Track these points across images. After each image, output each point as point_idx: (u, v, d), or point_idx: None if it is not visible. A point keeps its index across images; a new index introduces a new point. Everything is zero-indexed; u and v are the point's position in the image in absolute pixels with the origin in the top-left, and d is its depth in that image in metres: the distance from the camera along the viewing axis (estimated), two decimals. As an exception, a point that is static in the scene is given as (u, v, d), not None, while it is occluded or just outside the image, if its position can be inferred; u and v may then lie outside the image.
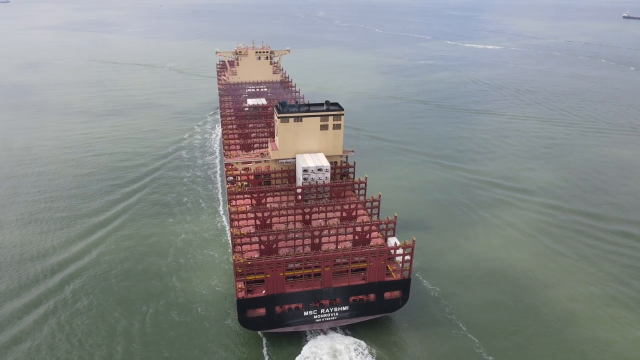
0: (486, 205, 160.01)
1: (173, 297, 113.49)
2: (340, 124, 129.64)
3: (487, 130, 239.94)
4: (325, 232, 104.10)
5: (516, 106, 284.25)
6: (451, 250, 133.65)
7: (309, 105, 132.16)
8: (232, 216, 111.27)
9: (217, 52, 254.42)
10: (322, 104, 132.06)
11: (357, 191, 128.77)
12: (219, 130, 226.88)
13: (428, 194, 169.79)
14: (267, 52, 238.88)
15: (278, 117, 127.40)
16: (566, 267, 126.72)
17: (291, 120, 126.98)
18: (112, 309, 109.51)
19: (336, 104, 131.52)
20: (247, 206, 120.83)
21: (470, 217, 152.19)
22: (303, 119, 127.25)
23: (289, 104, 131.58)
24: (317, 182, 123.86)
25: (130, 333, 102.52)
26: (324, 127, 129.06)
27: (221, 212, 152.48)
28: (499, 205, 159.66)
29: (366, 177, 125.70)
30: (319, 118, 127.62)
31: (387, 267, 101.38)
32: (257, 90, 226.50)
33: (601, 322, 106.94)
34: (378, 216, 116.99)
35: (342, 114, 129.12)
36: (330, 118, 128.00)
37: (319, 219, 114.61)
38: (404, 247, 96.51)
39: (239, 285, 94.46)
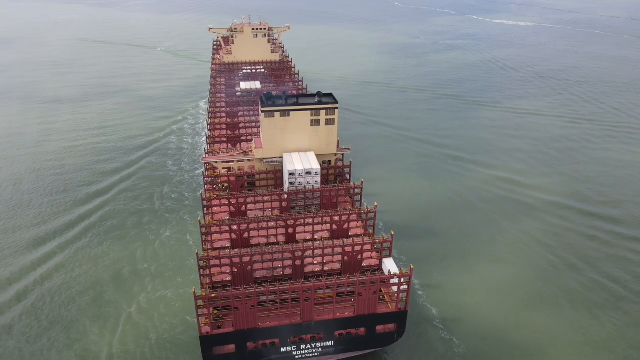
0: (500, 214, 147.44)
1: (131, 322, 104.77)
2: (334, 119, 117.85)
3: (522, 130, 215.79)
4: (309, 252, 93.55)
5: (557, 102, 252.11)
6: (457, 269, 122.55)
7: (297, 97, 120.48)
8: (204, 229, 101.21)
9: (210, 29, 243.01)
10: (313, 95, 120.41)
11: (352, 197, 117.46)
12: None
13: (433, 196, 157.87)
14: (264, 29, 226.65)
15: (262, 112, 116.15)
16: (583, 292, 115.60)
17: (277, 114, 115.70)
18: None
19: (330, 95, 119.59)
20: (226, 214, 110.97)
21: (480, 229, 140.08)
22: (291, 113, 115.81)
23: (275, 95, 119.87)
24: (305, 187, 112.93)
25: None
26: (315, 123, 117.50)
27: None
28: (516, 215, 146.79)
29: (362, 182, 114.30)
30: (309, 112, 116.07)
31: (380, 294, 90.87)
32: (253, 71, 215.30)
33: None
34: (373, 229, 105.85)
35: (337, 108, 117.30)
36: (323, 112, 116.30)
37: (305, 232, 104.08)
38: (401, 276, 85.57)
39: (203, 319, 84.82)
